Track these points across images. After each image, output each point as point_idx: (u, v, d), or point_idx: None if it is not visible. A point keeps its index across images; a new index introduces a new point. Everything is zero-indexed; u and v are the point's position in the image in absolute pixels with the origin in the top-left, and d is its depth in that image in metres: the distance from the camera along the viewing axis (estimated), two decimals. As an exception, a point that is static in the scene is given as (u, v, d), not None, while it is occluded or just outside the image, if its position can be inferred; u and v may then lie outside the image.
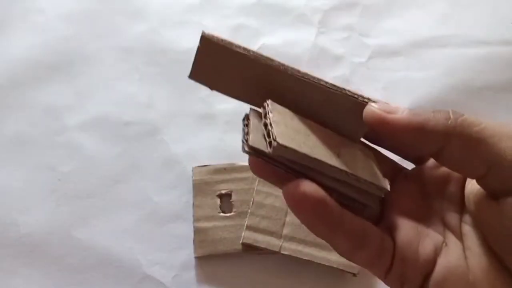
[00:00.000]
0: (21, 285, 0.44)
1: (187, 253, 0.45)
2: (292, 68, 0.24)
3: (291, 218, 0.44)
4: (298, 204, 0.21)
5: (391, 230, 0.24)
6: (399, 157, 0.26)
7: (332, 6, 0.57)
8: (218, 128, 0.50)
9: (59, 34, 0.54)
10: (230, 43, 0.24)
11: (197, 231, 0.45)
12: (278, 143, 0.21)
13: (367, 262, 0.23)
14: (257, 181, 0.46)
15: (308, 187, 0.21)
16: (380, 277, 0.24)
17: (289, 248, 0.43)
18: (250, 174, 0.46)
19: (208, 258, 0.45)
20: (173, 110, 0.51)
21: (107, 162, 0.48)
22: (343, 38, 0.56)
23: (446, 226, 0.24)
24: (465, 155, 0.21)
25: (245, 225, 0.44)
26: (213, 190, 0.46)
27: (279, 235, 0.44)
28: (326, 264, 0.43)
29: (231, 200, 0.46)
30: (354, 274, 0.43)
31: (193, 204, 0.46)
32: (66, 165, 0.48)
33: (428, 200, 0.25)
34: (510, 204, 0.21)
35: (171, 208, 0.47)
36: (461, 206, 0.24)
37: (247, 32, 0.55)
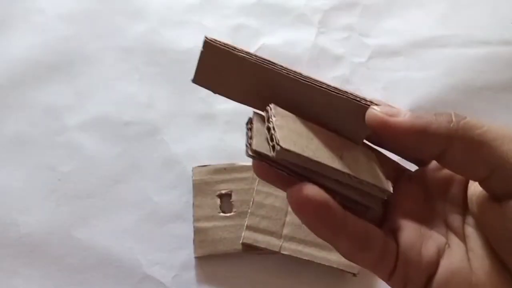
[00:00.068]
0: (21, 285, 0.44)
1: (187, 253, 0.45)
2: (295, 72, 0.24)
3: (291, 218, 0.44)
4: (301, 207, 0.21)
5: (394, 232, 0.24)
6: (402, 158, 0.26)
7: (332, 6, 0.57)
8: (218, 128, 0.50)
9: (59, 34, 0.54)
10: (233, 47, 0.24)
11: (197, 231, 0.45)
12: (281, 147, 0.21)
13: (371, 264, 0.23)
14: (257, 181, 0.46)
15: (311, 190, 0.21)
16: (383, 279, 0.24)
17: (289, 248, 0.43)
18: (250, 174, 0.46)
19: (208, 258, 0.45)
20: (173, 110, 0.51)
21: (107, 162, 0.48)
22: (343, 38, 0.56)
23: (449, 228, 0.24)
24: (468, 158, 0.22)
25: (245, 225, 0.44)
26: (213, 190, 0.46)
27: (279, 235, 0.44)
28: (326, 264, 0.43)
29: (231, 200, 0.46)
30: (354, 274, 0.43)
31: (193, 204, 0.46)
32: (66, 165, 0.48)
33: (431, 201, 0.25)
34: None
35: (171, 208, 0.47)
36: (463, 208, 0.24)
37: (247, 32, 0.55)
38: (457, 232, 0.24)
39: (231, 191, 0.46)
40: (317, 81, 0.24)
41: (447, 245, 0.24)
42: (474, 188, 0.24)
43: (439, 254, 0.23)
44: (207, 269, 0.45)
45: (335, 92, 0.24)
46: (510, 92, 0.52)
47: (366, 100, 0.24)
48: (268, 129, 0.23)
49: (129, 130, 0.50)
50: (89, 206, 0.47)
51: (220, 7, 0.57)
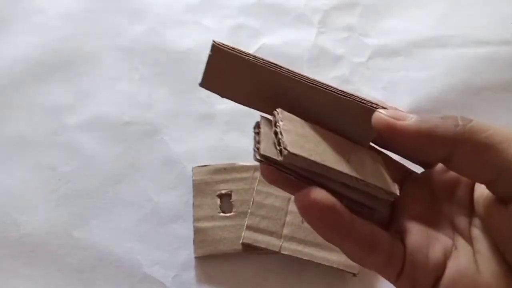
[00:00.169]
0: (21, 285, 0.44)
1: (187, 253, 0.45)
2: (301, 75, 0.25)
3: (291, 218, 0.44)
4: (308, 211, 0.21)
5: (401, 234, 0.24)
6: (408, 160, 0.27)
7: (332, 6, 0.57)
8: (218, 128, 0.50)
9: (59, 34, 0.54)
10: (241, 51, 0.24)
11: (197, 231, 0.45)
12: (288, 151, 0.21)
13: (378, 266, 0.23)
14: (257, 181, 0.46)
15: (318, 194, 0.21)
16: (391, 281, 0.24)
17: (289, 248, 0.43)
18: (250, 174, 0.46)
19: (208, 258, 0.45)
20: (173, 110, 0.51)
21: (107, 162, 0.48)
22: (343, 38, 0.56)
23: (455, 229, 0.24)
24: (474, 161, 0.22)
25: (245, 225, 0.44)
26: (213, 190, 0.46)
27: (279, 235, 0.44)
28: (326, 264, 0.43)
29: (231, 200, 0.46)
30: (354, 274, 0.43)
31: (193, 204, 0.46)
32: (66, 165, 0.48)
33: (438, 203, 0.25)
34: None
35: (171, 208, 0.47)
36: (470, 210, 0.24)
37: (247, 32, 0.55)
38: (463, 234, 0.24)
39: (231, 191, 0.46)
40: (324, 84, 0.25)
41: (454, 247, 0.24)
42: (481, 190, 0.24)
43: (446, 256, 0.23)
44: (207, 269, 0.45)
45: (342, 95, 0.25)
46: (510, 92, 0.52)
47: (373, 103, 0.25)
48: (276, 133, 0.23)
49: (129, 130, 0.50)
50: (89, 206, 0.47)
51: (220, 7, 0.57)
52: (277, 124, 0.23)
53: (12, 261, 0.44)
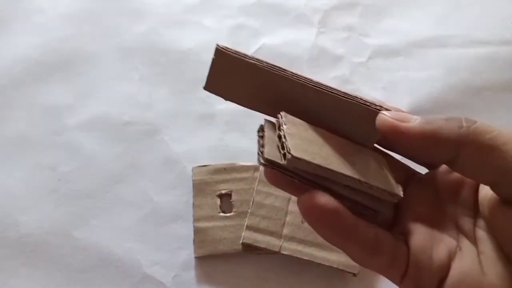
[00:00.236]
0: (21, 285, 0.44)
1: (187, 253, 0.45)
2: (305, 78, 0.25)
3: (291, 218, 0.44)
4: (312, 215, 0.21)
5: (405, 235, 0.24)
6: (411, 161, 0.27)
7: (332, 6, 0.57)
8: (218, 128, 0.50)
9: (59, 34, 0.54)
10: (244, 55, 0.24)
11: (197, 231, 0.45)
12: (292, 155, 0.21)
13: (382, 268, 0.23)
14: (257, 181, 0.46)
15: (322, 198, 0.21)
16: (395, 282, 0.24)
17: (289, 248, 0.43)
18: (250, 174, 0.46)
19: (208, 258, 0.45)
20: (173, 110, 0.51)
21: (107, 162, 0.48)
22: (343, 38, 0.56)
23: (460, 230, 0.24)
24: (478, 163, 0.22)
25: (245, 225, 0.44)
26: (213, 190, 0.46)
27: (279, 235, 0.44)
28: (326, 264, 0.43)
29: (231, 200, 0.46)
30: (354, 274, 0.43)
31: (193, 204, 0.46)
32: (66, 165, 0.48)
33: (442, 204, 0.25)
34: None
35: (171, 208, 0.47)
36: (474, 211, 0.24)
37: (247, 32, 0.55)
38: (468, 235, 0.24)
39: (231, 191, 0.46)
40: (327, 86, 0.25)
41: (458, 248, 0.24)
42: (485, 191, 0.24)
43: (450, 257, 0.23)
44: (207, 269, 0.45)
45: (346, 98, 0.25)
46: (510, 92, 0.52)
47: (376, 105, 0.25)
48: (279, 137, 0.23)
49: (129, 130, 0.50)
50: (89, 206, 0.47)
51: (220, 7, 0.57)
52: (281, 127, 0.23)
53: (12, 261, 0.44)
